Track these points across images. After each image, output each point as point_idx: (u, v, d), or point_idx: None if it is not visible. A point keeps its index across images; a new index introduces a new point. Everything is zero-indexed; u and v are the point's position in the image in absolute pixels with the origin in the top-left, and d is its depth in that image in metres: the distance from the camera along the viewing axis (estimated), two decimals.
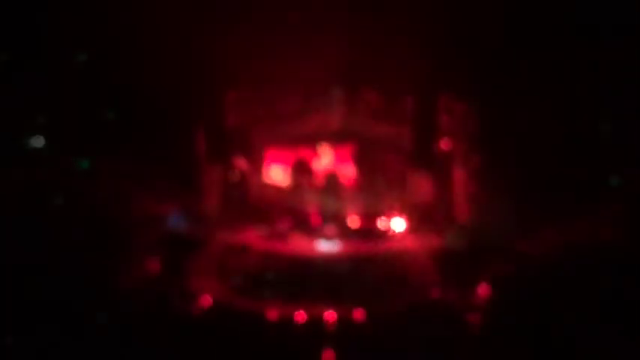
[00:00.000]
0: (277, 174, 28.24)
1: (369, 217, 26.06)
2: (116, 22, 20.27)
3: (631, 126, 20.71)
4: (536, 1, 20.80)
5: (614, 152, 21.17)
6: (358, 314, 17.94)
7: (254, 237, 25.62)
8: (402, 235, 25.79)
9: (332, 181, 27.57)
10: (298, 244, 24.74)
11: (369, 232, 25.86)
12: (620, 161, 21.14)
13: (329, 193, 27.46)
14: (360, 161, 28.12)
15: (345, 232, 25.62)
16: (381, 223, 25.63)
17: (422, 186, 26.72)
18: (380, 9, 21.16)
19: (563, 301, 17.18)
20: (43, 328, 14.64)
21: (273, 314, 17.65)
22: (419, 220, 26.06)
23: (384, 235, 25.16)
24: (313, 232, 25.89)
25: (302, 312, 17.87)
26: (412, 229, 25.77)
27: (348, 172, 28.10)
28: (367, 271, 21.03)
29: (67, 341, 14.24)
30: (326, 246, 23.87)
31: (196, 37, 21.02)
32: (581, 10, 20.62)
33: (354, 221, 26.44)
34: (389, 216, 25.80)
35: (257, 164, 27.65)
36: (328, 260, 22.15)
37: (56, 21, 19.69)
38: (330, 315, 17.81)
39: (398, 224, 25.74)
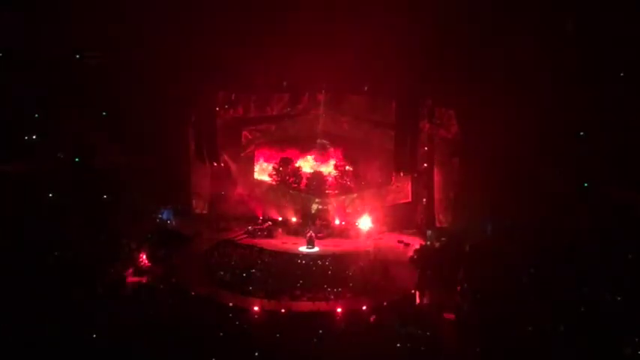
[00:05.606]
0: (264, 173, 28.95)
1: (351, 217, 26.97)
2: (110, 23, 20.88)
3: (603, 135, 21.78)
4: (513, 15, 21.80)
5: (586, 159, 22.24)
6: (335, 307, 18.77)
7: (240, 233, 26.35)
8: (383, 234, 26.70)
9: (316, 182, 28.34)
10: (281, 242, 25.48)
11: (350, 232, 26.71)
12: (592, 168, 22.21)
13: (313, 192, 28.21)
14: (344, 163, 29.00)
15: (326, 231, 26.43)
16: (362, 223, 26.57)
17: (403, 188, 27.69)
18: (365, 19, 21.99)
19: (537, 300, 18.11)
20: (38, 319, 15.16)
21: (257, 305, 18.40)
22: (399, 220, 26.96)
23: (366, 234, 26.09)
24: (296, 231, 26.62)
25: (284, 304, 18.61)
26: (392, 229, 26.71)
27: (332, 172, 28.94)
28: (346, 268, 21.85)
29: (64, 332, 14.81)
30: (307, 246, 24.43)
31: (189, 40, 21.68)
32: (561, 22, 21.62)
33: (335, 221, 27.29)
34: (371, 216, 26.73)
35: (245, 164, 28.34)
36: (309, 258, 22.90)
37: (56, 20, 20.27)
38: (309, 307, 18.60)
39: (378, 224, 26.64)
